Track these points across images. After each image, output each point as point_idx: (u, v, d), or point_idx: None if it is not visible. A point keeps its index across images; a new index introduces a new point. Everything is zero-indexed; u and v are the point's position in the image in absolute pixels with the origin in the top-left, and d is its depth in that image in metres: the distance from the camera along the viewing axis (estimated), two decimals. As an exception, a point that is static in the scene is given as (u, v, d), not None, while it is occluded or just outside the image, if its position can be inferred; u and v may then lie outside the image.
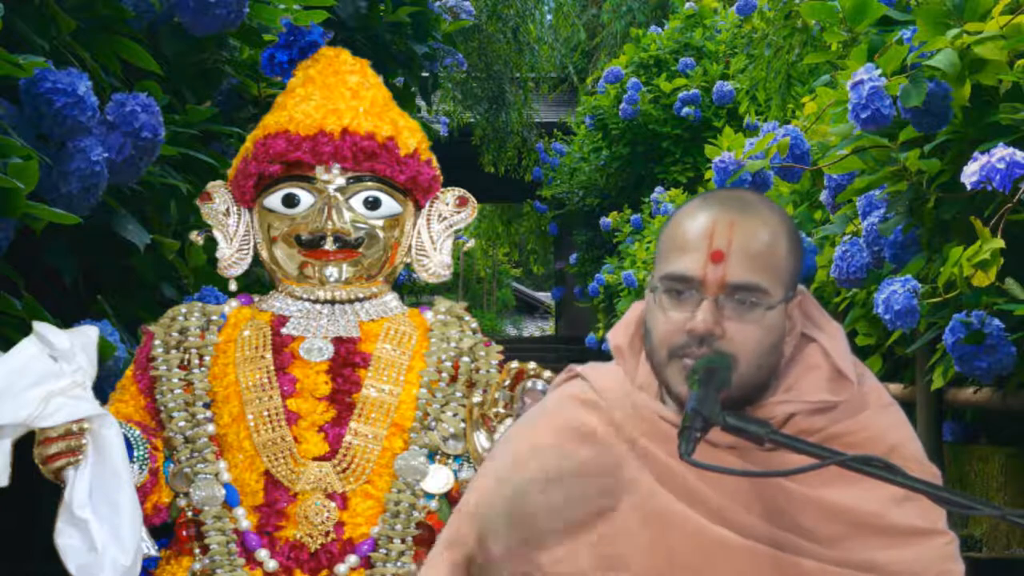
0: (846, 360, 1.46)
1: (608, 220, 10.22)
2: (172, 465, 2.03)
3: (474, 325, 2.17)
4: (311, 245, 2.10)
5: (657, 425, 1.45)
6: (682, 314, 1.39)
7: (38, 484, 1.88)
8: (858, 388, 1.46)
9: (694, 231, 1.41)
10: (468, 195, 2.24)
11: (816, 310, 1.50)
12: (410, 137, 2.17)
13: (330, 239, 2.08)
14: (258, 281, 2.92)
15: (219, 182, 2.23)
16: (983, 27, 2.70)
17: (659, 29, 10.61)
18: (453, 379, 2.09)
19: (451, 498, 2.04)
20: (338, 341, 2.07)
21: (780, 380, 1.44)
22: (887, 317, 2.89)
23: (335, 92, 2.14)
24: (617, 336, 1.54)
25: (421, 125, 2.28)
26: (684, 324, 1.39)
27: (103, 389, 2.02)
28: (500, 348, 2.16)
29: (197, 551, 2.00)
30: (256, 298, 2.19)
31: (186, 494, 2.02)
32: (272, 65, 2.45)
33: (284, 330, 2.09)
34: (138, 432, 1.98)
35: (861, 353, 4.05)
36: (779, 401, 1.44)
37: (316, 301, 2.13)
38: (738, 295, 1.39)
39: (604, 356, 1.60)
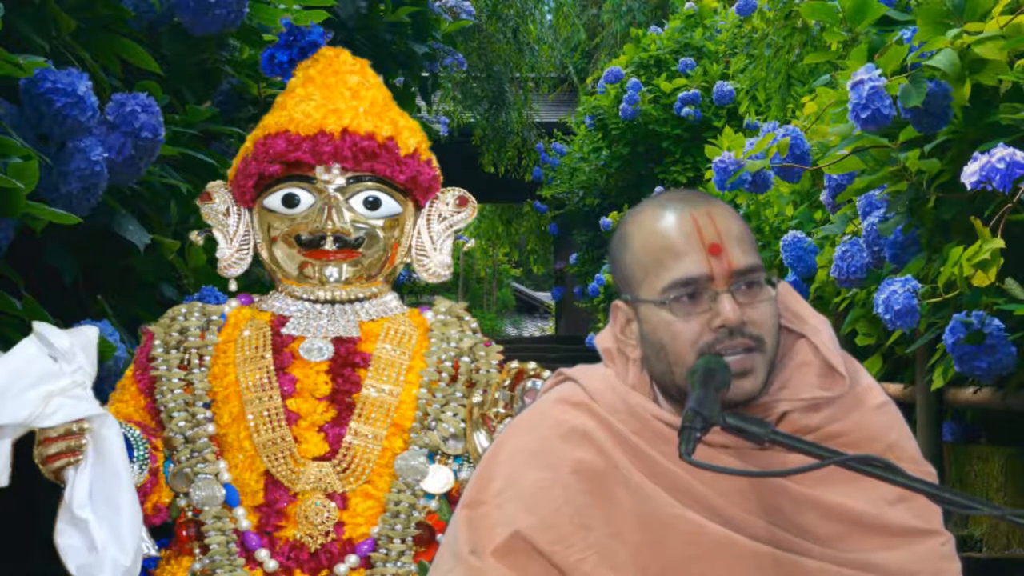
0: (835, 354, 1.47)
1: (608, 220, 10.21)
2: (172, 465, 2.03)
3: (474, 325, 2.17)
4: (311, 245, 2.10)
5: (652, 425, 1.44)
6: (699, 316, 1.40)
7: (38, 484, 1.88)
8: (853, 386, 1.46)
9: (677, 234, 1.41)
10: (468, 195, 2.23)
11: (798, 303, 1.50)
12: (410, 137, 2.16)
13: (330, 239, 2.08)
14: (258, 281, 2.91)
15: (219, 182, 2.23)
16: (983, 27, 2.70)
17: (659, 29, 10.60)
18: (453, 379, 2.09)
19: (451, 498, 2.04)
20: (338, 341, 2.07)
21: (772, 378, 1.44)
22: (887, 317, 2.90)
23: (335, 92, 2.14)
24: (604, 339, 1.53)
25: (421, 125, 2.28)
26: (707, 324, 1.39)
27: (103, 389, 2.02)
28: (500, 348, 2.15)
29: (197, 551, 2.00)
30: (256, 298, 2.19)
31: (186, 494, 2.02)
32: (272, 65, 2.45)
33: (284, 330, 2.09)
34: (138, 432, 1.98)
35: (861, 353, 4.05)
36: (772, 400, 1.44)
37: (316, 301, 2.13)
38: (745, 279, 1.40)
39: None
